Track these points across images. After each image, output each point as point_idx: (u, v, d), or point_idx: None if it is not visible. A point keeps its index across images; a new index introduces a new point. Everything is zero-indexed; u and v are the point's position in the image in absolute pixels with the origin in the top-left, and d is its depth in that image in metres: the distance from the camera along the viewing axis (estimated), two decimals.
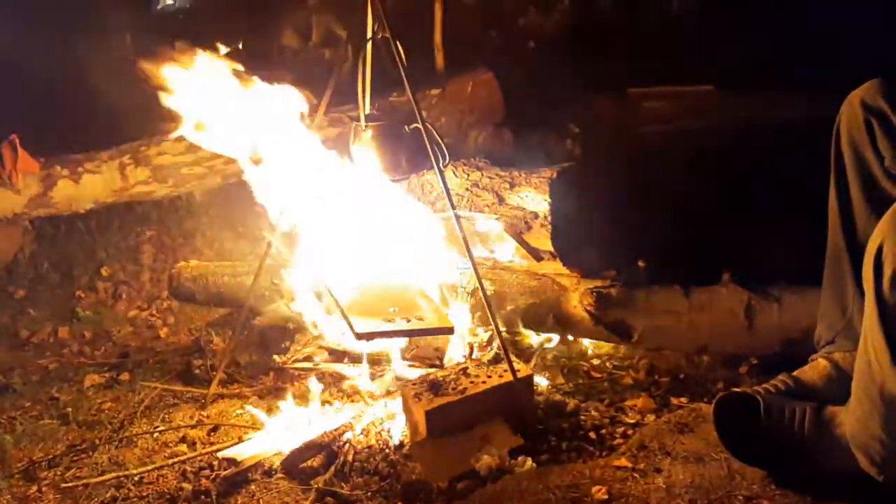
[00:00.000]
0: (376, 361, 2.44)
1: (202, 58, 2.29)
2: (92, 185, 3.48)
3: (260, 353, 2.68)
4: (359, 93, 2.33)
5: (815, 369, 1.89)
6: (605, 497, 1.74)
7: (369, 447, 2.09)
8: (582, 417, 2.15)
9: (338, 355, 2.56)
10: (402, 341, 2.41)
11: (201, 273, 3.02)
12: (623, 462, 1.87)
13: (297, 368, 2.55)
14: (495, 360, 2.19)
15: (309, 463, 2.05)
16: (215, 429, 2.29)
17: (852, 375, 1.57)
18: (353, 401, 2.34)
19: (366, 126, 2.33)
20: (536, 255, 2.76)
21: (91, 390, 2.63)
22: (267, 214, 2.45)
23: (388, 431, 2.14)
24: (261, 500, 1.94)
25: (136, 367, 2.76)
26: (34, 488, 2.08)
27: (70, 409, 2.49)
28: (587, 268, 2.55)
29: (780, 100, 3.21)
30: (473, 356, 2.33)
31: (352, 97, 2.36)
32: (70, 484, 2.06)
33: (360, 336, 2.16)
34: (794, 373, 1.89)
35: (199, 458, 2.13)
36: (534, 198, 2.66)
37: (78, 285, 3.56)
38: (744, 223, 2.63)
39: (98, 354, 2.97)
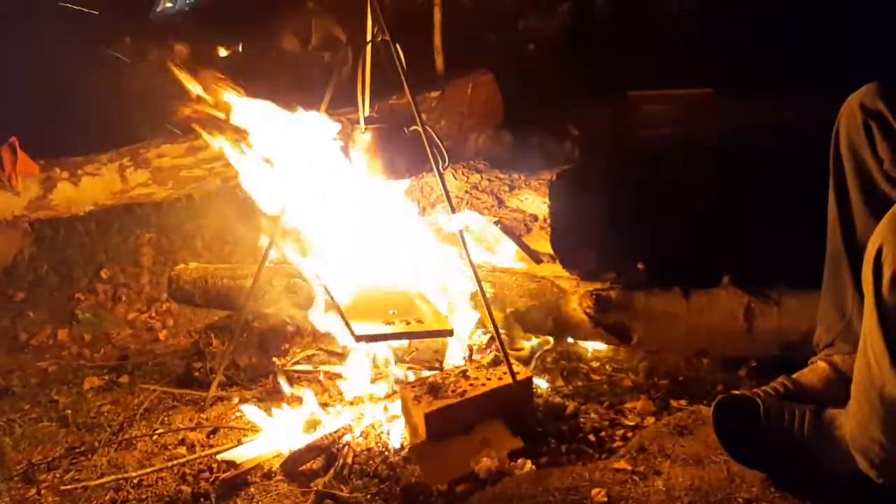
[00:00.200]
0: (376, 364, 2.44)
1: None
2: (91, 187, 3.49)
3: (259, 356, 2.68)
4: (358, 95, 2.33)
5: (814, 372, 1.89)
6: (605, 499, 1.74)
7: (369, 450, 2.09)
8: (581, 420, 2.15)
9: (337, 358, 2.56)
10: (402, 344, 2.41)
11: (201, 275, 3.02)
12: (622, 464, 1.87)
13: (296, 371, 2.55)
14: (495, 363, 2.20)
15: (308, 465, 2.05)
16: (214, 431, 2.29)
17: (852, 378, 1.57)
18: (352, 403, 2.33)
19: (365, 129, 2.33)
20: (536, 257, 2.76)
21: (90, 393, 2.63)
22: (266, 216, 2.45)
23: (388, 434, 2.14)
24: (260, 503, 1.94)
25: (136, 370, 2.77)
26: (33, 491, 2.08)
27: (69, 412, 2.49)
28: (587, 270, 2.55)
29: (778, 103, 3.21)
30: (473, 358, 2.33)
31: (351, 100, 2.37)
32: (69, 486, 2.06)
33: (359, 338, 2.16)
34: (794, 375, 1.89)
35: (198, 460, 2.13)
36: (533, 200, 2.66)
37: (77, 288, 3.56)
38: (743, 226, 2.63)
39: (97, 357, 2.98)
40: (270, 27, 4.45)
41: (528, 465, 1.92)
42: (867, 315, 1.47)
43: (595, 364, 2.48)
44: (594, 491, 1.76)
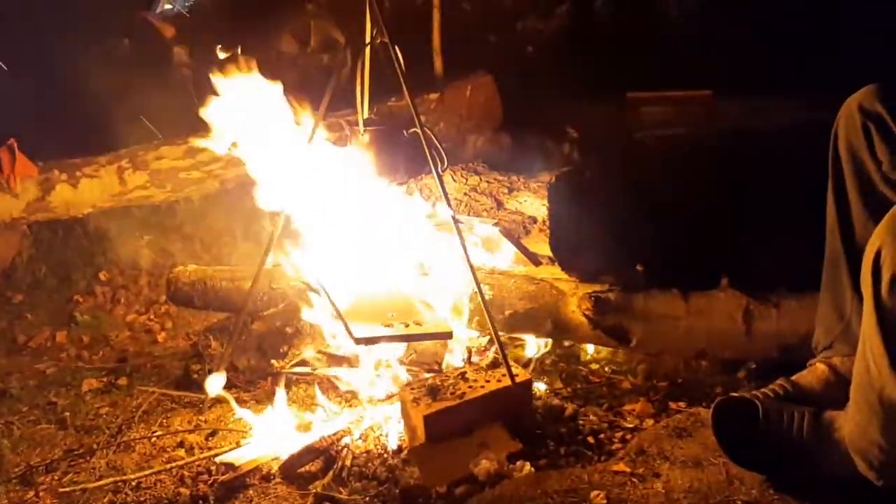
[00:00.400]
0: (375, 366, 2.44)
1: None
2: (90, 189, 3.49)
3: (258, 358, 2.68)
4: (357, 97, 2.33)
5: (813, 374, 1.89)
6: (604, 502, 1.74)
7: (367, 452, 2.09)
8: (580, 422, 2.14)
9: (336, 360, 2.56)
10: (401, 346, 2.41)
11: (199, 277, 3.02)
12: (621, 467, 1.86)
13: (295, 373, 2.55)
14: (494, 365, 2.19)
15: (307, 468, 2.05)
16: (213, 433, 2.29)
17: (850, 380, 1.57)
18: (351, 405, 2.34)
19: (364, 131, 2.33)
20: (535, 259, 2.76)
21: (89, 395, 2.63)
22: (266, 219, 2.45)
23: (387, 436, 2.14)
24: None
25: (134, 372, 2.76)
26: (31, 493, 2.07)
27: (68, 414, 2.49)
28: (585, 272, 2.55)
29: (777, 104, 3.21)
30: (472, 361, 2.33)
31: (350, 102, 2.37)
32: (68, 489, 2.06)
33: (358, 341, 2.16)
34: (793, 377, 1.89)
35: (196, 462, 2.13)
36: (532, 202, 2.66)
37: (76, 290, 3.56)
38: (742, 228, 2.62)
39: (96, 359, 2.97)
40: (269, 29, 4.45)
41: (527, 467, 1.92)
42: (866, 317, 1.47)
43: (594, 366, 2.48)
44: (593, 493, 1.76)
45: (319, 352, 2.60)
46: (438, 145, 2.18)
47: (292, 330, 2.75)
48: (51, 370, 2.87)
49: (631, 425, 2.12)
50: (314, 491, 1.93)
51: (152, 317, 3.33)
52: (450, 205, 2.15)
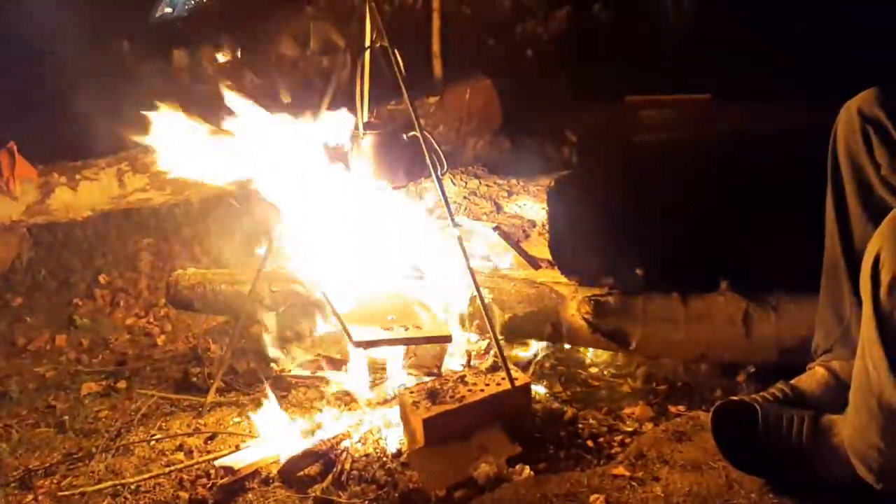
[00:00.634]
0: (374, 369, 2.44)
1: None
2: (89, 192, 3.49)
3: (257, 361, 2.68)
4: (357, 101, 2.33)
5: (812, 377, 1.89)
6: None
7: (367, 455, 2.09)
8: (580, 426, 2.15)
9: (336, 363, 2.56)
10: (401, 349, 2.41)
11: (199, 281, 3.02)
12: (621, 470, 1.87)
13: (294, 376, 2.55)
14: (493, 369, 2.19)
15: (306, 471, 2.05)
16: (212, 437, 2.29)
17: (850, 384, 1.57)
18: (350, 409, 2.33)
19: (364, 134, 2.33)
20: (534, 263, 2.77)
21: (88, 398, 2.62)
22: (265, 222, 2.45)
23: (386, 440, 2.14)
24: None
25: (134, 375, 2.76)
26: (30, 497, 2.07)
27: (67, 418, 2.48)
28: (585, 276, 2.55)
29: (776, 108, 3.21)
30: (471, 364, 2.33)
31: (350, 105, 2.37)
32: (66, 493, 2.05)
33: (358, 344, 2.16)
34: (792, 381, 1.89)
35: (196, 466, 2.13)
36: (531, 206, 2.67)
37: (75, 293, 3.55)
38: (741, 231, 2.63)
39: (95, 362, 2.97)
40: (269, 32, 4.46)
41: (527, 471, 1.92)
42: (865, 321, 1.47)
43: (593, 370, 2.48)
44: (593, 497, 1.76)
45: (319, 355, 2.61)
46: (438, 149, 2.19)
47: (292, 333, 2.75)
48: (50, 373, 2.87)
49: (630, 429, 2.13)
50: (313, 495, 1.93)
51: (152, 320, 3.33)
52: (449, 209, 2.15)
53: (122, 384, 2.70)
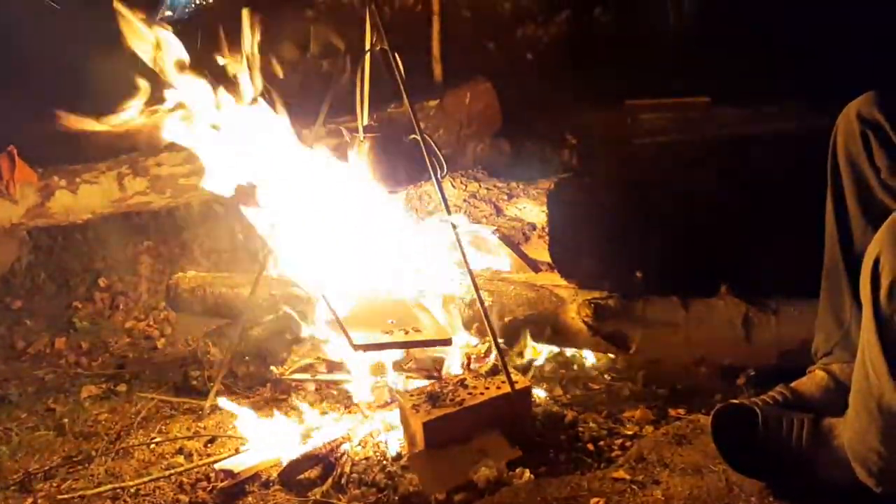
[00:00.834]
0: (374, 373, 2.44)
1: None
2: (89, 195, 3.48)
3: (257, 364, 2.67)
4: (357, 104, 2.33)
5: (812, 381, 1.89)
6: None
7: (367, 459, 2.09)
8: (580, 429, 2.14)
9: (336, 367, 2.56)
10: (401, 353, 2.41)
11: (199, 284, 3.02)
12: (621, 474, 1.86)
13: (294, 379, 2.55)
14: (493, 372, 2.19)
15: (306, 474, 2.05)
16: (212, 440, 2.29)
17: (850, 387, 1.57)
18: (350, 412, 2.33)
19: (364, 137, 2.34)
20: (534, 266, 2.77)
21: (88, 401, 2.62)
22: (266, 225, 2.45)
23: (386, 443, 2.14)
24: None
25: (133, 378, 2.76)
26: (30, 500, 2.07)
27: (66, 421, 2.48)
28: (585, 279, 2.55)
29: (776, 112, 3.22)
30: (471, 368, 2.33)
31: (350, 109, 2.37)
32: (66, 496, 2.05)
33: (358, 348, 2.16)
34: (792, 384, 1.89)
35: (195, 469, 2.13)
36: (531, 209, 2.67)
37: (75, 296, 3.56)
38: (741, 235, 2.63)
39: (95, 365, 2.97)
40: (269, 35, 4.46)
41: (527, 474, 1.91)
42: (865, 324, 1.47)
43: (593, 373, 2.47)
44: (593, 500, 1.76)
45: (318, 358, 2.60)
46: (438, 152, 2.19)
47: (292, 336, 2.75)
48: (49, 376, 2.87)
49: (630, 432, 2.12)
50: (313, 498, 1.93)
51: (151, 323, 3.33)
52: (449, 211, 2.15)
53: (121, 387, 2.70)
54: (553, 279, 2.63)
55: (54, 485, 2.13)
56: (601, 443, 2.08)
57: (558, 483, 1.86)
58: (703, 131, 3.34)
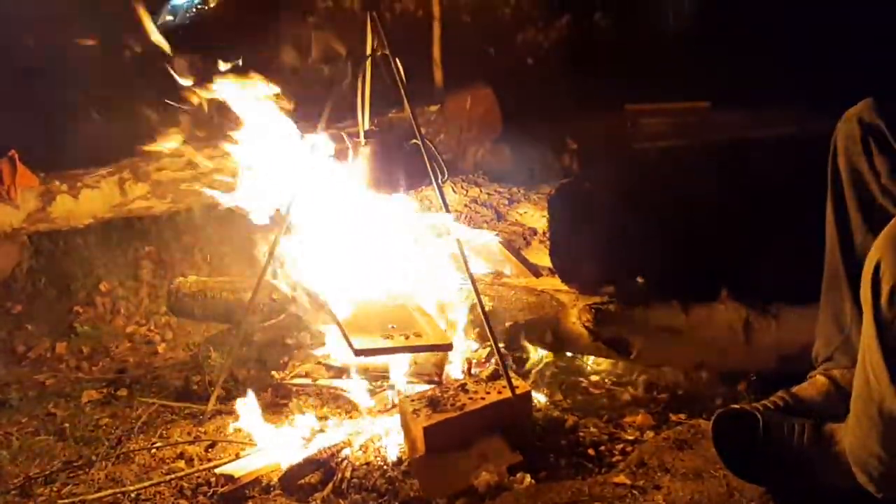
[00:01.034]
0: (375, 378, 2.44)
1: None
2: (90, 200, 3.49)
3: (258, 369, 2.68)
4: (358, 109, 2.34)
5: (813, 386, 1.89)
6: None
7: (367, 464, 2.09)
8: (580, 434, 2.14)
9: (336, 371, 2.56)
10: (401, 358, 2.41)
11: (200, 289, 3.02)
12: (622, 479, 1.86)
13: (295, 384, 2.55)
14: (494, 377, 2.19)
15: (307, 479, 2.04)
16: (213, 445, 2.28)
17: (851, 392, 1.56)
18: (351, 417, 2.33)
19: (365, 142, 2.34)
20: (535, 271, 2.77)
21: (88, 406, 2.62)
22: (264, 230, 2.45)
23: (386, 448, 2.14)
24: None
25: (134, 383, 2.76)
26: None
27: (67, 425, 2.48)
28: (586, 284, 2.55)
29: (776, 116, 3.22)
30: (472, 372, 2.33)
31: (351, 113, 2.38)
32: (66, 500, 2.05)
33: (358, 353, 2.16)
34: (793, 389, 1.89)
35: (196, 474, 2.13)
36: (532, 214, 2.67)
37: (76, 300, 3.56)
38: (741, 239, 2.63)
39: (96, 370, 2.97)
40: (270, 40, 4.47)
41: (528, 479, 1.91)
42: (866, 330, 1.47)
43: (594, 378, 2.47)
44: None
45: (319, 363, 2.61)
46: (439, 157, 2.19)
47: (293, 341, 2.75)
48: (50, 381, 2.87)
49: (631, 437, 2.12)
50: (314, 503, 1.93)
51: (152, 328, 3.33)
52: (449, 216, 2.15)
53: (122, 392, 2.69)
54: (554, 284, 2.63)
55: (55, 489, 2.13)
56: (602, 448, 2.08)
57: (559, 488, 1.86)
58: (704, 136, 3.35)
